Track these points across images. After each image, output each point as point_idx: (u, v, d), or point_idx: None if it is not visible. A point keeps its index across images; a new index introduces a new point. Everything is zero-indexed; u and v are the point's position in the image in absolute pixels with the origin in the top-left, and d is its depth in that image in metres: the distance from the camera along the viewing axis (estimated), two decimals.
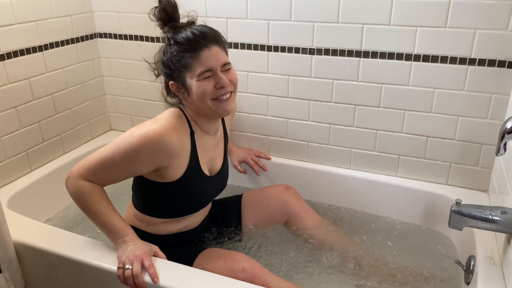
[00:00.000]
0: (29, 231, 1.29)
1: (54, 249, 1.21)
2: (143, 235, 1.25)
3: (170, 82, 1.17)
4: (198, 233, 1.39)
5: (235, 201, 1.51)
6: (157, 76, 1.24)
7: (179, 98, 1.21)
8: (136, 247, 1.11)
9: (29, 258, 1.27)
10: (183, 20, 1.20)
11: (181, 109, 1.22)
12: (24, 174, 1.62)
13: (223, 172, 1.35)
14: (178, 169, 1.17)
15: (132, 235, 1.14)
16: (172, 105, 1.25)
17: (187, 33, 1.12)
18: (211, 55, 1.12)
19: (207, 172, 1.27)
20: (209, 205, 1.41)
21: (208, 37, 1.12)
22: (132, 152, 1.10)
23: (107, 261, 1.14)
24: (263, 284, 1.13)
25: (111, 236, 1.15)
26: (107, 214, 1.14)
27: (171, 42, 1.13)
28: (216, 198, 1.42)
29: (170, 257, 1.17)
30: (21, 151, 1.60)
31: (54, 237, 1.26)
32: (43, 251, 1.23)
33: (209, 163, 1.29)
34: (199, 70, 1.11)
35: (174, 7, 1.15)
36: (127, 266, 1.07)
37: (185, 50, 1.11)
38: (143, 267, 1.08)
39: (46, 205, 1.63)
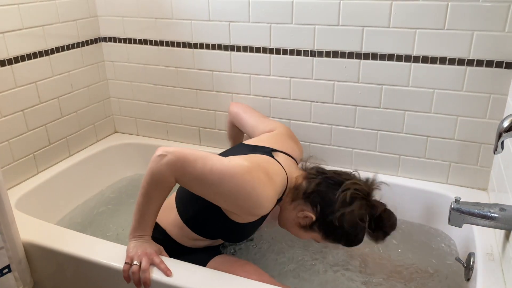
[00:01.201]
0: (38, 231, 1.32)
1: (63, 249, 1.24)
2: (171, 241, 1.25)
3: (312, 216, 1.18)
4: (219, 246, 1.40)
5: None
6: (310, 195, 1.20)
7: (296, 194, 1.22)
8: (147, 245, 1.13)
9: (38, 257, 1.30)
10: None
11: (285, 173, 1.22)
12: (31, 176, 1.65)
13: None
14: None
15: (149, 236, 1.15)
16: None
17: (356, 238, 1.18)
18: None
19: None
20: None
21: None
22: (233, 190, 1.06)
23: (116, 260, 1.16)
24: None
25: (138, 226, 1.13)
26: (154, 210, 1.12)
27: (354, 229, 1.17)
28: None
29: (183, 259, 1.18)
30: (28, 154, 1.63)
31: (62, 237, 1.29)
32: (52, 250, 1.25)
33: None
34: (321, 242, 1.24)
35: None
36: (135, 262, 1.09)
37: (340, 240, 1.19)
38: (151, 264, 1.10)
39: (53, 206, 1.66)
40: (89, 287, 1.25)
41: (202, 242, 1.27)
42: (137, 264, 1.09)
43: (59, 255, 1.24)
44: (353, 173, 1.25)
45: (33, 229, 1.33)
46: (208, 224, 1.20)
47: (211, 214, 1.17)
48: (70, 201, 1.74)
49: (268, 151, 1.25)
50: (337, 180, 1.20)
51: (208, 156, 1.09)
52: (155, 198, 1.11)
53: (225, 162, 1.08)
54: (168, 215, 1.26)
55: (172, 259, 1.16)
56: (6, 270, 1.22)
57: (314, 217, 1.17)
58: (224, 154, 1.29)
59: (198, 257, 1.24)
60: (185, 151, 1.08)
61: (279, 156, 1.26)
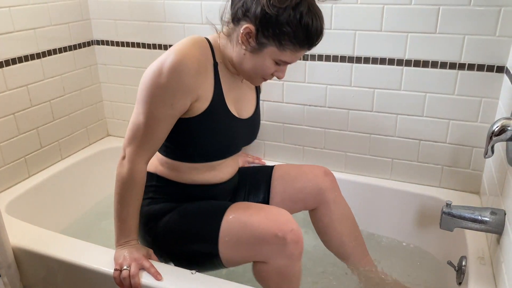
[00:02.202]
0: (28, 236, 1.31)
1: (52, 253, 1.23)
2: (167, 183, 1.21)
3: (249, 26, 1.02)
4: (225, 192, 1.29)
5: (265, 173, 1.39)
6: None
7: (229, 33, 1.10)
8: (134, 249, 1.12)
9: (27, 262, 1.29)
10: None
11: (207, 39, 1.12)
12: (22, 180, 1.64)
13: (255, 119, 1.26)
14: (203, 100, 1.10)
15: (135, 240, 1.14)
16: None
17: (315, 23, 1.00)
18: (301, 55, 1.08)
19: (234, 113, 1.18)
20: (237, 162, 1.33)
21: (317, 41, 1.05)
22: (163, 94, 1.03)
23: (106, 265, 1.15)
24: (300, 255, 1.08)
25: (120, 232, 1.13)
26: (132, 213, 1.12)
27: (296, 10, 0.98)
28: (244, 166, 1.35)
29: (196, 210, 1.17)
30: (19, 157, 1.62)
31: (52, 242, 1.28)
32: (42, 255, 1.24)
33: (237, 104, 1.20)
34: (284, 59, 1.06)
35: None
36: (124, 267, 1.08)
37: (296, 35, 1.00)
38: (141, 269, 1.10)
39: (45, 211, 1.64)
40: None
41: (197, 172, 1.20)
42: (127, 269, 1.08)
43: (49, 260, 1.23)
44: None
45: (23, 234, 1.32)
46: (178, 141, 1.15)
47: (177, 131, 1.12)
48: (62, 205, 1.73)
49: None
50: None
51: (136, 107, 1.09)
52: (131, 201, 1.11)
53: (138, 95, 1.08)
54: (155, 159, 1.24)
55: (162, 263, 1.15)
56: None
57: (252, 25, 1.02)
58: None
59: (214, 207, 1.18)
60: (126, 135, 1.11)
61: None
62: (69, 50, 1.78)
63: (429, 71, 1.44)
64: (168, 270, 1.13)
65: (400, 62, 1.46)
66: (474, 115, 1.44)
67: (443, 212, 1.15)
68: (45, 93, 1.69)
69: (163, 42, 1.77)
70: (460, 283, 1.23)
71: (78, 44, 1.82)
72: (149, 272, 1.09)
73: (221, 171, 1.24)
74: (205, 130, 1.13)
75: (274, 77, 1.15)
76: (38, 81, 1.66)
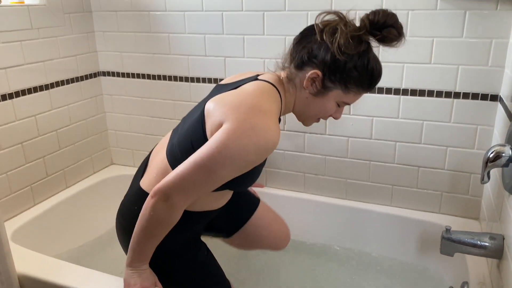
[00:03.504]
0: (33, 264, 1.32)
1: (58, 281, 1.24)
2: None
3: (316, 72, 1.03)
4: (214, 216, 1.28)
5: (248, 209, 1.44)
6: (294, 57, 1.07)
7: (291, 77, 1.10)
8: (145, 276, 1.11)
9: None
10: None
11: (273, 85, 1.10)
12: (28, 208, 1.67)
13: None
14: None
15: (147, 265, 1.12)
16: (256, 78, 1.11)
17: (378, 67, 1.06)
18: (361, 96, 1.11)
19: None
20: None
21: (378, 83, 1.10)
22: (245, 165, 1.00)
23: None
24: None
25: (135, 258, 1.09)
26: (154, 245, 1.08)
27: (364, 56, 1.02)
28: None
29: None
30: (26, 186, 1.65)
31: (57, 269, 1.29)
32: (47, 282, 1.25)
33: None
34: (346, 100, 1.08)
35: (395, 19, 1.02)
36: None
37: (362, 79, 1.04)
38: None
39: (50, 238, 1.66)
40: None
41: (212, 200, 1.19)
42: None
43: (54, 287, 1.24)
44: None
45: (29, 262, 1.33)
46: None
47: None
48: (67, 233, 1.74)
49: (254, 78, 1.13)
50: (306, 29, 1.09)
51: (196, 159, 0.98)
52: (160, 234, 1.06)
53: (211, 146, 0.97)
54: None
55: None
56: None
57: (319, 71, 1.04)
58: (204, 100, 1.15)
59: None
60: (177, 180, 0.99)
61: (265, 76, 1.14)
62: (76, 81, 1.84)
63: (426, 100, 1.49)
64: None
65: (397, 91, 1.51)
66: (471, 142, 1.48)
67: (443, 237, 1.17)
68: (52, 123, 1.74)
69: (167, 73, 1.83)
70: None
71: (85, 75, 1.88)
72: None
73: (226, 197, 1.26)
74: (244, 175, 1.08)
75: None
76: (46, 111, 1.71)
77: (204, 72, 1.76)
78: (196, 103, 1.81)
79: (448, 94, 1.46)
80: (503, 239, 1.11)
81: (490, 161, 1.04)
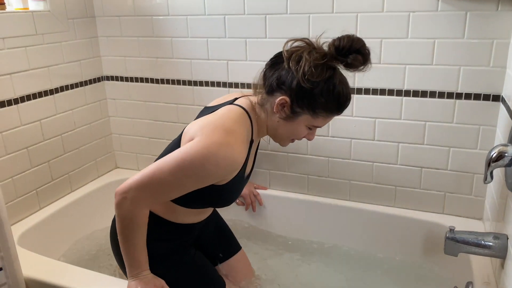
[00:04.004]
0: (39, 267, 1.33)
1: (63, 283, 1.25)
2: (159, 221, 1.23)
3: (284, 98, 1.09)
4: (198, 228, 1.36)
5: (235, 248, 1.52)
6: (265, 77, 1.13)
7: (263, 102, 1.15)
8: (147, 280, 1.14)
9: None
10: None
11: (244, 110, 1.17)
12: (34, 212, 1.68)
13: (251, 171, 1.32)
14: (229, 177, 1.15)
15: (147, 270, 1.16)
16: (234, 102, 1.18)
17: (345, 91, 1.10)
18: (331, 119, 1.16)
19: (246, 173, 1.24)
20: None
21: (347, 107, 1.14)
22: (204, 176, 1.06)
23: None
24: None
25: (132, 267, 1.15)
26: (139, 249, 1.13)
27: (329, 82, 1.06)
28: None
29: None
30: (31, 190, 1.66)
31: (64, 272, 1.30)
32: (53, 285, 1.27)
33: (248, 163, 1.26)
34: (316, 124, 1.14)
35: (361, 44, 1.07)
36: None
37: (329, 104, 1.09)
38: None
39: (56, 242, 1.67)
40: None
41: (190, 215, 1.27)
42: None
43: None
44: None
45: (35, 265, 1.34)
46: (193, 196, 1.14)
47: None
48: (73, 237, 1.76)
49: (230, 102, 1.21)
50: (276, 56, 1.14)
51: (158, 163, 1.06)
52: (137, 236, 1.12)
53: (174, 154, 1.05)
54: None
55: None
56: None
57: (287, 97, 1.09)
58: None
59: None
60: (137, 178, 1.06)
61: (239, 101, 1.21)
62: (80, 86, 1.86)
63: (428, 101, 1.49)
64: None
65: (399, 93, 1.52)
66: (474, 142, 1.49)
67: (447, 238, 1.18)
68: (57, 128, 1.75)
69: (170, 77, 1.85)
70: None
71: (89, 80, 1.90)
72: None
73: (207, 213, 1.35)
74: (220, 194, 1.17)
75: None
76: (51, 116, 1.72)
77: (207, 76, 1.77)
78: (199, 107, 1.84)
79: (450, 95, 1.46)
80: (507, 238, 1.12)
81: (493, 161, 1.04)
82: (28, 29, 1.59)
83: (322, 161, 1.71)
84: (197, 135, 1.07)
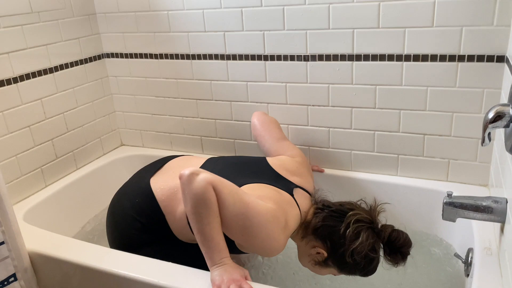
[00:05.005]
0: (44, 242, 1.36)
1: (67, 257, 1.28)
2: (168, 236, 1.27)
3: (324, 252, 1.20)
4: None
5: None
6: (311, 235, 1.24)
7: (303, 236, 1.25)
8: (232, 270, 1.07)
9: (44, 266, 1.34)
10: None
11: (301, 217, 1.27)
12: (40, 190, 1.71)
13: None
14: None
15: (228, 257, 1.10)
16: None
17: (374, 266, 1.19)
18: None
19: None
20: None
21: None
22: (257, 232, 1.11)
23: (123, 268, 1.19)
24: None
25: (212, 252, 1.08)
26: (217, 229, 1.07)
27: (368, 261, 1.16)
28: None
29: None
30: (36, 168, 1.69)
31: (67, 246, 1.33)
32: (57, 259, 1.29)
33: None
34: (338, 275, 1.26)
35: (409, 247, 1.17)
36: None
37: (355, 272, 1.20)
38: None
39: (61, 219, 1.71)
40: None
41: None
42: None
43: (64, 263, 1.28)
44: (358, 202, 1.28)
45: (40, 240, 1.37)
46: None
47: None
48: (78, 214, 1.79)
49: (291, 189, 1.29)
50: (341, 212, 1.22)
51: (236, 187, 1.12)
52: (210, 217, 1.06)
53: (252, 198, 1.12)
54: (176, 208, 1.26)
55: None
56: (12, 279, 1.26)
57: (326, 253, 1.19)
58: (248, 169, 1.35)
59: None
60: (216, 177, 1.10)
61: (298, 194, 1.30)
62: (80, 64, 1.86)
63: (429, 65, 1.44)
64: None
65: (399, 58, 1.47)
66: (478, 106, 1.44)
67: (445, 203, 1.15)
68: (58, 106, 1.77)
69: (169, 51, 1.83)
70: (468, 275, 1.22)
71: (89, 57, 1.90)
72: None
73: None
74: (241, 252, 1.24)
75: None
76: (52, 94, 1.73)
77: (205, 49, 1.75)
78: (198, 80, 1.82)
79: (452, 58, 1.41)
80: (507, 202, 1.09)
81: (490, 122, 1.01)
82: (23, 7, 1.59)
83: (323, 131, 1.69)
84: (271, 202, 1.16)
